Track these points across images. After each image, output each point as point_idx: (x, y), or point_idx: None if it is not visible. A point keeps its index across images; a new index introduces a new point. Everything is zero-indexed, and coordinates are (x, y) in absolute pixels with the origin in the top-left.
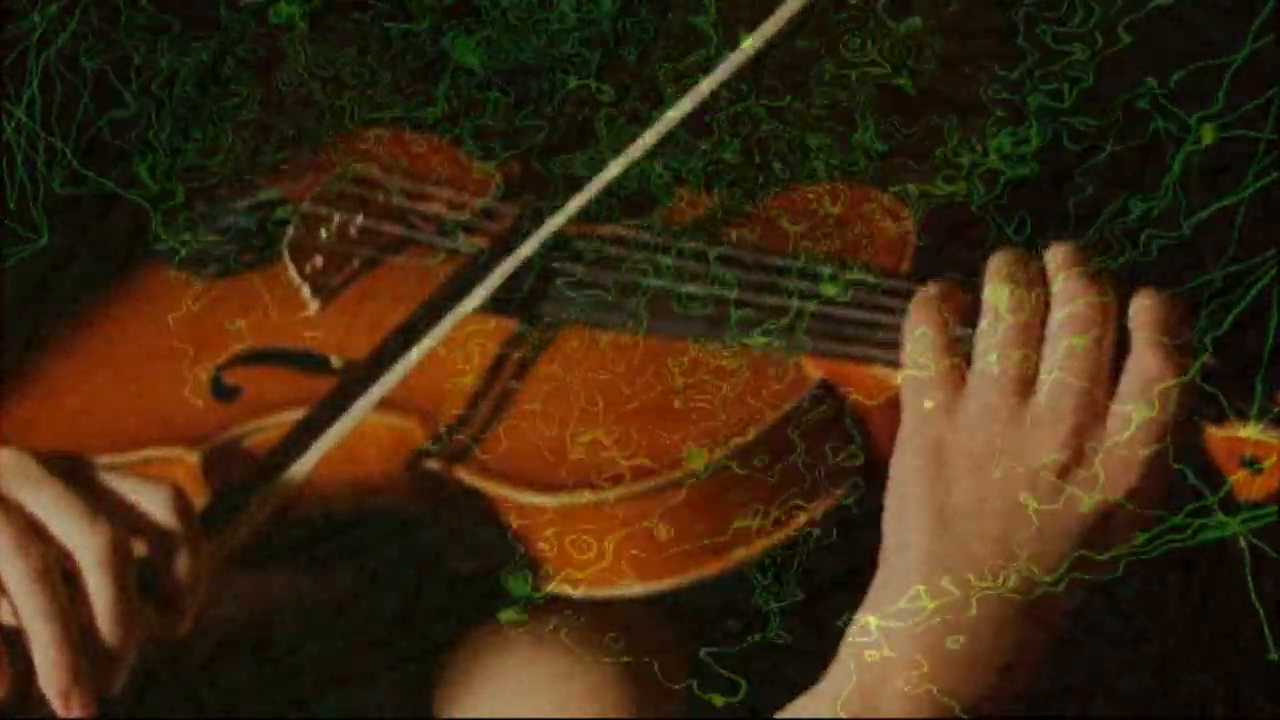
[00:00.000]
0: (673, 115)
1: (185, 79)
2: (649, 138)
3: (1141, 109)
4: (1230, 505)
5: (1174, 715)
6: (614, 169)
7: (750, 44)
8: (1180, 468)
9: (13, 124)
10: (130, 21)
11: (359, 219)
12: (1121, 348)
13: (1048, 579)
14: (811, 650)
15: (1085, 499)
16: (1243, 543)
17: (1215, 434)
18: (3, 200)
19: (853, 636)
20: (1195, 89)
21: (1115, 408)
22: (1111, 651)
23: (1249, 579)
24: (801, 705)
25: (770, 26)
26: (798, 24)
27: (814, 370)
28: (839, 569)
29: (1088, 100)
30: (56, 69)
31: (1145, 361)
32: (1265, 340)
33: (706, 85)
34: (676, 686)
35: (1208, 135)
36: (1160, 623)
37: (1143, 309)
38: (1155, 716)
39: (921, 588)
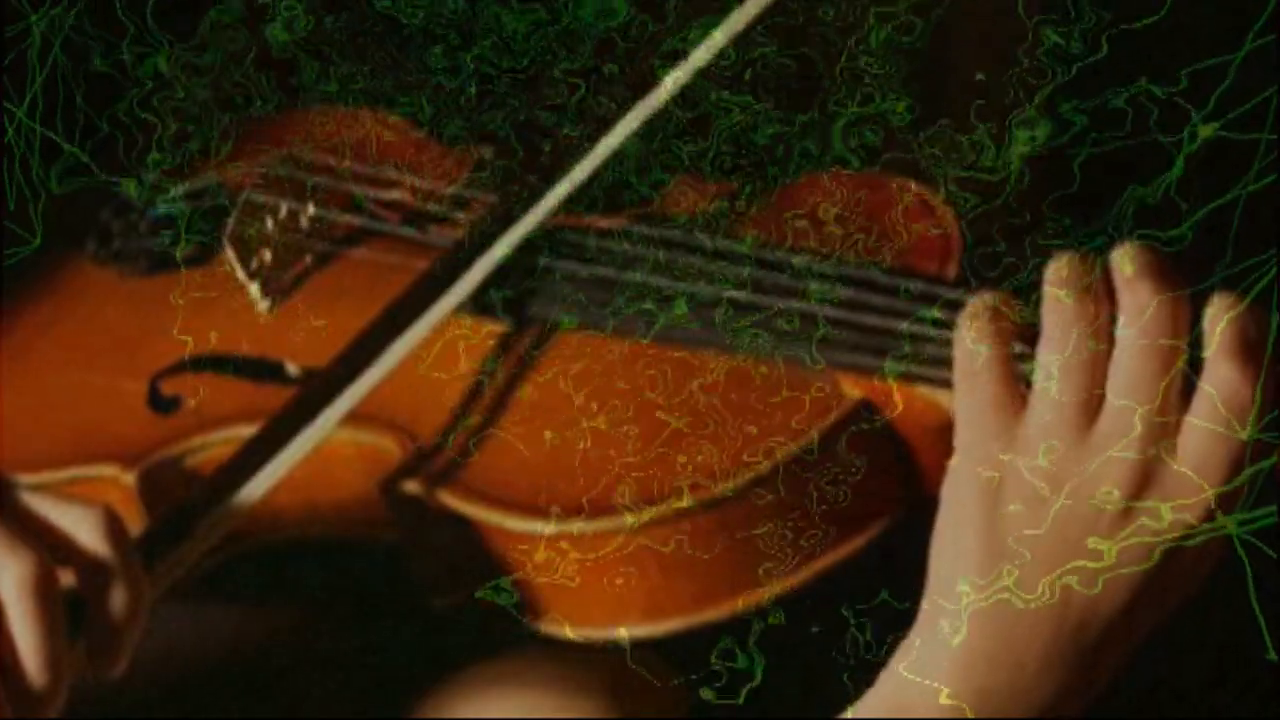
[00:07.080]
0: (669, 87)
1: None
2: (642, 116)
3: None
4: (1230, 506)
5: (1175, 715)
6: (606, 151)
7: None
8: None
9: (13, 124)
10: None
11: (309, 208)
12: (1195, 357)
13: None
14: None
15: (1154, 528)
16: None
17: None
18: (3, 201)
19: (896, 665)
20: (1196, 89)
21: (1189, 424)
22: None
23: (1249, 579)
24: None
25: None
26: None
27: (853, 389)
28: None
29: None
30: (56, 69)
31: (1221, 374)
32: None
33: (695, 60)
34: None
35: (1205, 131)
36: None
37: (1218, 316)
38: (1156, 716)
39: (964, 618)
